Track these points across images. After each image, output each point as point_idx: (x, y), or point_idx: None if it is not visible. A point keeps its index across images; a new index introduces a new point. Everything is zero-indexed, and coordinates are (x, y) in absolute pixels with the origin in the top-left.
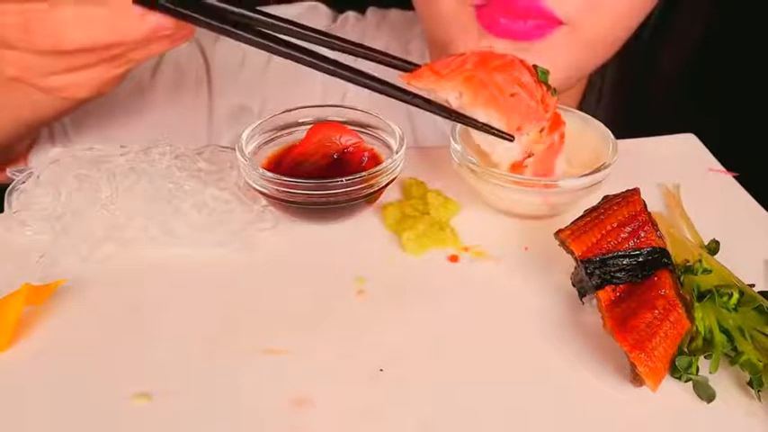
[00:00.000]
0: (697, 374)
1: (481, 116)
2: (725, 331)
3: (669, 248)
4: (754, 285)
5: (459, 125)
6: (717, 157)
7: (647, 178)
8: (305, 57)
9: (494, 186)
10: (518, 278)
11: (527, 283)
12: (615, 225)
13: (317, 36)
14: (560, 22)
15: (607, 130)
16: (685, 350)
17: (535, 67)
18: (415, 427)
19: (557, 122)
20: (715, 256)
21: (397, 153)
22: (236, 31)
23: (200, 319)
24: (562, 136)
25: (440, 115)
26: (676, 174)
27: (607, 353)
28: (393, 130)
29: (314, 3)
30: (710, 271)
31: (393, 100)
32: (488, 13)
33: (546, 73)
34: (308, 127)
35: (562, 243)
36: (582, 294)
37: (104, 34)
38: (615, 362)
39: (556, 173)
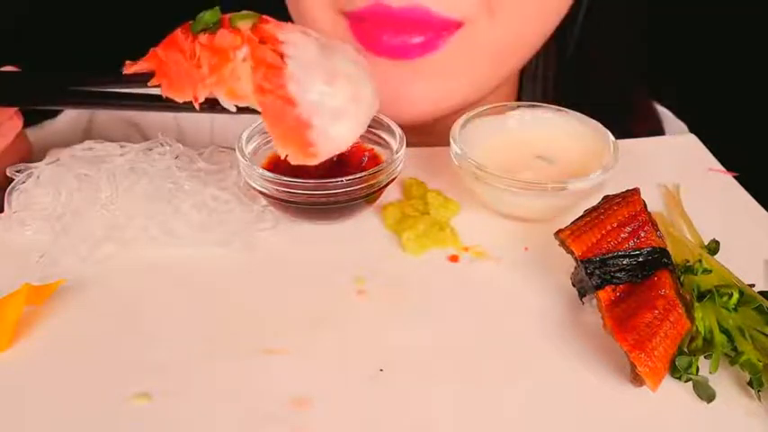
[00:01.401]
0: (697, 374)
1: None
2: (725, 331)
3: (669, 248)
4: (754, 285)
5: (458, 126)
6: (717, 157)
7: (647, 178)
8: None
9: (494, 189)
10: (518, 278)
11: (527, 283)
12: (615, 225)
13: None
14: (457, 25)
15: (606, 130)
16: (685, 350)
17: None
18: (415, 427)
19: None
20: (715, 256)
21: (397, 153)
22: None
23: (200, 319)
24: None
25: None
26: (676, 174)
27: (607, 353)
28: (393, 130)
29: None
30: (710, 271)
31: None
32: (366, 29)
33: (245, 17)
34: None
35: (562, 243)
36: (582, 294)
37: None
38: (615, 362)
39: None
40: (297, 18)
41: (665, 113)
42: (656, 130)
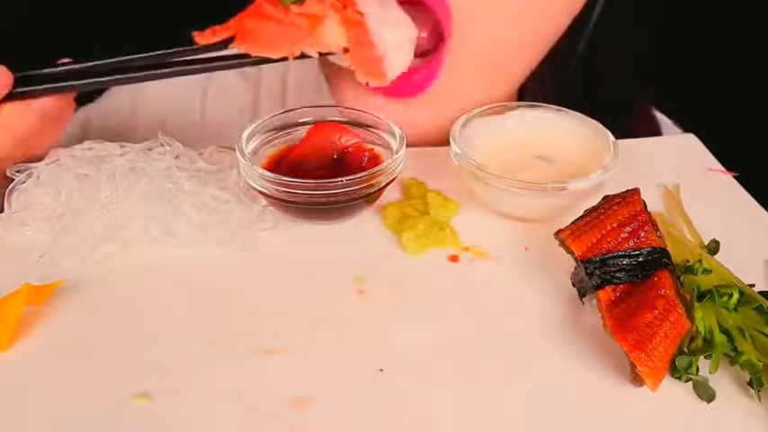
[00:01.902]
0: (697, 374)
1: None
2: (725, 331)
3: (669, 248)
4: (754, 285)
5: (458, 126)
6: (717, 157)
7: (647, 178)
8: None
9: (494, 189)
10: (518, 278)
11: (527, 283)
12: (615, 225)
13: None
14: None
15: (606, 130)
16: (685, 350)
17: None
18: (415, 427)
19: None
20: (715, 256)
21: (397, 153)
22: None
23: (201, 319)
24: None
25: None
26: (676, 174)
27: (607, 353)
28: (393, 130)
29: None
30: (710, 271)
31: None
32: None
33: None
34: (308, 127)
35: (562, 243)
36: (582, 294)
37: (7, 138)
38: (615, 362)
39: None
40: None
41: (663, 120)
42: (655, 131)
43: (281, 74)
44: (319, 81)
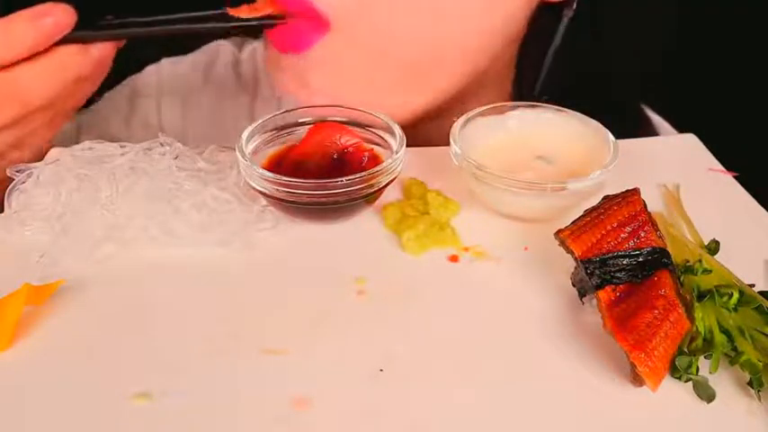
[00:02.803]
0: (697, 374)
1: None
2: (725, 331)
3: (669, 248)
4: (754, 285)
5: (458, 126)
6: (717, 157)
7: (647, 178)
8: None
9: (494, 189)
10: (518, 278)
11: (527, 283)
12: (615, 225)
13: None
14: (325, 24)
15: (606, 130)
16: (685, 350)
17: None
18: (415, 427)
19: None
20: (715, 256)
21: (397, 153)
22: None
23: (200, 319)
24: None
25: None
26: (676, 174)
27: (607, 353)
28: (393, 130)
29: (215, 43)
30: (710, 271)
31: None
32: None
33: None
34: (308, 127)
35: (562, 243)
36: (582, 294)
37: (59, 80)
38: (615, 362)
39: None
40: None
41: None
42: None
43: None
44: None
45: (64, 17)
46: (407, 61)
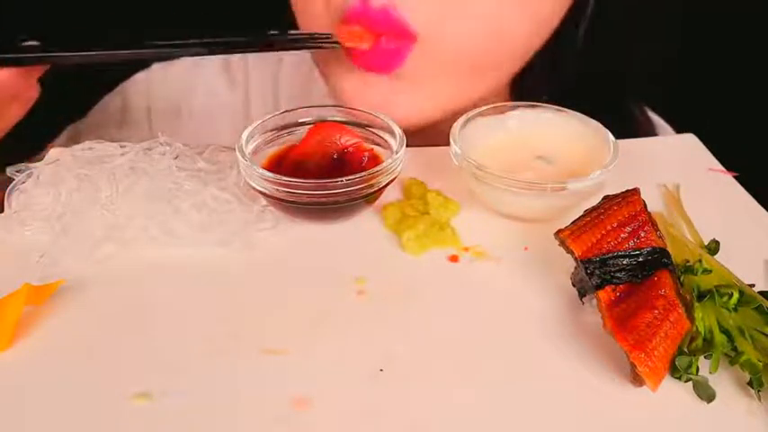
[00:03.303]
0: (697, 374)
1: None
2: (725, 331)
3: (669, 248)
4: (754, 285)
5: (458, 126)
6: (717, 157)
7: (647, 178)
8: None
9: (494, 189)
10: (518, 278)
11: (527, 283)
12: (615, 225)
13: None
14: (413, 37)
15: (606, 130)
16: (685, 350)
17: None
18: (415, 427)
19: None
20: (715, 256)
21: (397, 153)
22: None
23: (201, 319)
24: None
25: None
26: (676, 174)
27: (607, 353)
28: (393, 130)
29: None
30: (710, 271)
31: None
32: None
33: None
34: (308, 127)
35: (562, 243)
36: (582, 294)
37: None
38: (615, 362)
39: None
40: (298, 18)
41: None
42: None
43: (271, 72)
44: (311, 80)
45: None
46: (471, 66)
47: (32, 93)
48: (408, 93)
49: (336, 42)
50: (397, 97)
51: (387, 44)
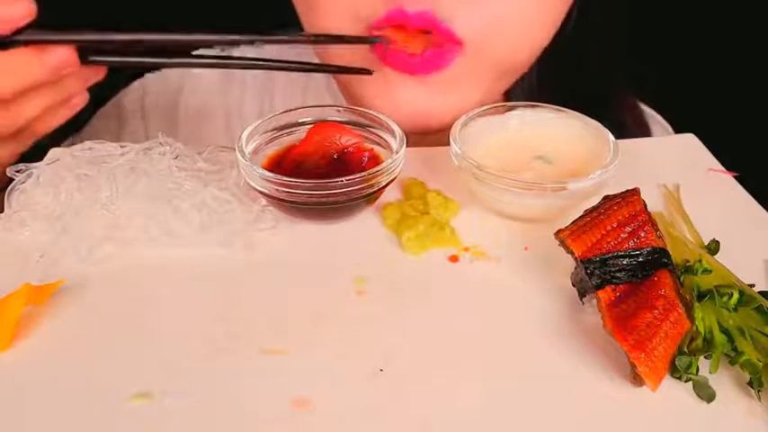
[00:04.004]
0: (697, 374)
1: None
2: (725, 331)
3: (669, 248)
4: (754, 285)
5: (458, 126)
6: (717, 157)
7: (647, 178)
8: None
9: (494, 189)
10: (518, 278)
11: (527, 283)
12: (615, 225)
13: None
14: (460, 44)
15: (606, 130)
16: (685, 350)
17: None
18: (415, 427)
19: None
20: (715, 256)
21: (397, 153)
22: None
23: (200, 319)
24: None
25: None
26: (676, 174)
27: (607, 353)
28: (393, 130)
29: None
30: (710, 271)
31: None
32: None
33: None
34: (308, 127)
35: (562, 243)
36: (582, 294)
37: (8, 81)
38: (615, 362)
39: None
40: (307, 24)
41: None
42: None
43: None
44: (308, 79)
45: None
46: (503, 69)
47: (83, 98)
48: (444, 95)
49: (380, 43)
50: (433, 100)
51: (432, 48)
